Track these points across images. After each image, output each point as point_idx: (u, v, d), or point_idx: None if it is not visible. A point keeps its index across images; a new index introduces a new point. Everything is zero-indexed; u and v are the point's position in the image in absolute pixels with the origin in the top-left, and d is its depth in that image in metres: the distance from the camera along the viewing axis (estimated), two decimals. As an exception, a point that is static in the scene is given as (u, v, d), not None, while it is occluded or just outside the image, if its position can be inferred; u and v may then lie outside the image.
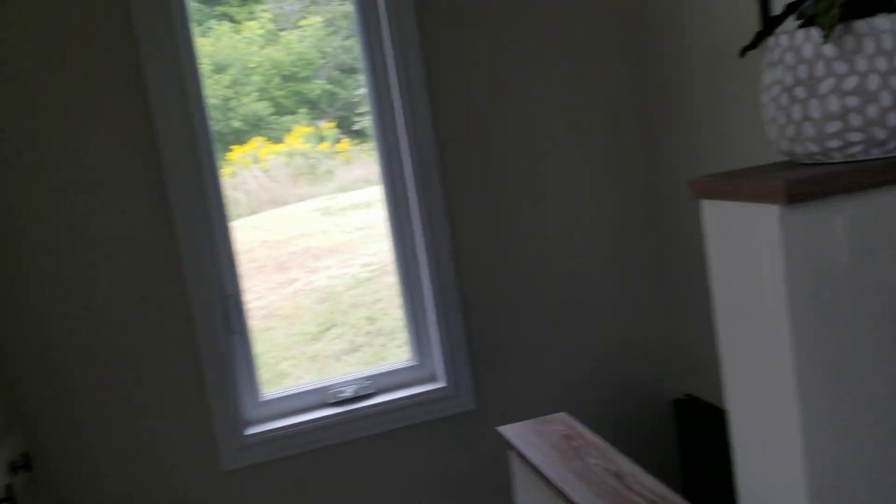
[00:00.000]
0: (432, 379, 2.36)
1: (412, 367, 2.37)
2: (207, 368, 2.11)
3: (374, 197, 2.48)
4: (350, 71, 2.47)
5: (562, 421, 1.65)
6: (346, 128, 2.55)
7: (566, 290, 2.40)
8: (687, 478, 2.38)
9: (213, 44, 2.41)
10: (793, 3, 0.88)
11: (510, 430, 1.61)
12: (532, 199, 2.35)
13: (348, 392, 2.29)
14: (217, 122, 2.37)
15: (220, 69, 2.46)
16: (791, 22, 0.89)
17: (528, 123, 2.34)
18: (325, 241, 2.89)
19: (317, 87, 2.54)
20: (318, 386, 2.35)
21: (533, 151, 2.35)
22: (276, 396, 2.28)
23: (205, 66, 2.28)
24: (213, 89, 2.36)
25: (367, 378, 2.35)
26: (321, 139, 2.63)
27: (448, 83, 2.25)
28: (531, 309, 2.38)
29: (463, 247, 2.29)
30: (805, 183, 0.79)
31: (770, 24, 0.87)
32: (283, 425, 2.20)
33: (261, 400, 2.25)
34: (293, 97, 2.57)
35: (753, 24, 1.73)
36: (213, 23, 2.41)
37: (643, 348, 2.47)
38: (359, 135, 2.50)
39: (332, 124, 2.57)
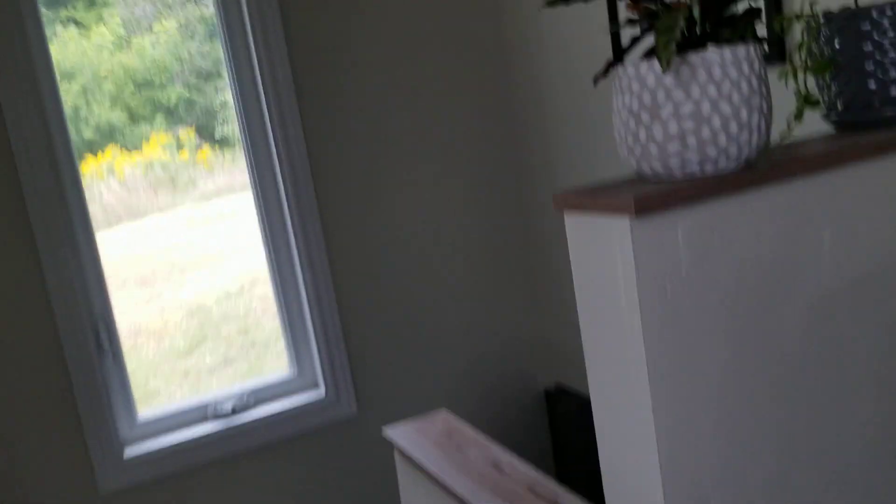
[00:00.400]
0: (312, 387, 2.39)
1: (292, 377, 2.39)
2: (78, 390, 2.05)
3: (239, 206, 2.47)
4: (208, 76, 2.44)
5: (443, 418, 1.73)
6: (207, 135, 2.52)
7: (440, 292, 2.50)
8: (559, 462, 2.53)
9: (59, 50, 2.32)
10: (637, 37, 0.99)
11: (394, 431, 1.67)
12: (404, 204, 2.42)
13: (228, 406, 2.28)
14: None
15: (68, 77, 2.37)
16: (638, 52, 1.00)
17: (399, 130, 2.41)
18: (191, 254, 2.83)
19: (173, 93, 2.50)
20: (197, 402, 2.33)
21: (404, 158, 2.42)
22: (154, 415, 2.25)
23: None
24: (61, 98, 2.28)
25: (246, 391, 2.35)
26: (180, 147, 2.58)
27: (316, 86, 2.28)
28: (407, 312, 2.45)
29: (337, 254, 2.33)
30: (650, 197, 0.89)
31: (618, 54, 0.98)
32: (163, 444, 2.17)
33: (139, 420, 2.21)
34: (149, 105, 2.51)
35: (608, 54, 1.87)
36: (58, 28, 2.33)
37: (516, 344, 2.60)
38: (221, 142, 2.48)
39: (192, 132, 2.53)
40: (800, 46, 1.13)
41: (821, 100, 1.14)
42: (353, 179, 2.34)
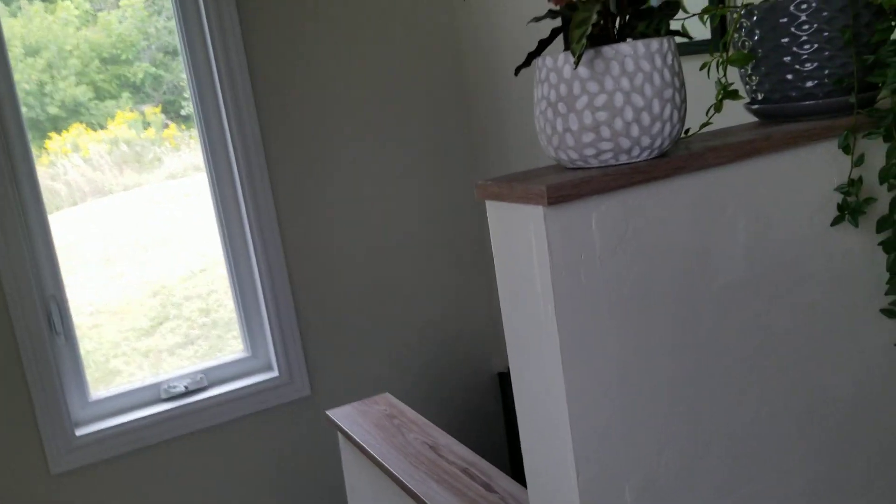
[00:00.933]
0: (266, 369, 2.40)
1: (245, 357, 2.41)
2: (29, 370, 2.05)
3: (205, 185, 2.46)
4: (175, 53, 2.42)
5: (385, 401, 1.76)
6: (174, 113, 2.50)
7: (394, 276, 2.52)
8: (513, 442, 2.57)
9: (24, 25, 2.29)
10: (556, 28, 1.01)
11: (337, 413, 1.70)
12: (358, 189, 2.44)
13: (181, 387, 2.29)
14: (32, 109, 2.26)
15: (32, 52, 2.34)
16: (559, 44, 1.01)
17: (353, 114, 2.42)
18: (156, 233, 2.82)
19: (140, 70, 2.47)
20: (150, 382, 2.33)
21: (358, 144, 2.43)
22: (107, 395, 2.25)
23: (15, 48, 2.17)
24: (25, 73, 2.25)
25: (200, 372, 2.36)
26: (147, 125, 2.55)
27: (270, 68, 2.28)
28: (361, 295, 2.47)
29: (291, 236, 2.35)
30: (563, 186, 0.91)
31: (540, 46, 1.00)
32: (114, 424, 2.18)
33: (91, 400, 2.21)
34: (115, 81, 2.48)
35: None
36: (23, 2, 2.29)
37: (469, 327, 2.63)
38: (187, 120, 2.46)
39: (158, 109, 2.50)
40: (725, 38, 1.15)
41: (745, 90, 1.17)
42: (307, 163, 2.35)
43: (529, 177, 0.98)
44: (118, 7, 2.45)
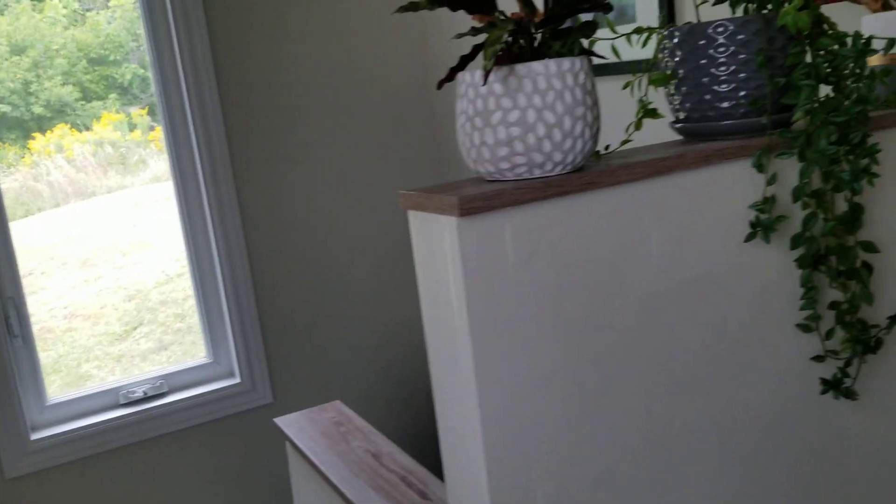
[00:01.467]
0: (228, 375, 2.42)
1: (208, 364, 2.42)
2: (-17, 373, 2.06)
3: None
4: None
5: (334, 408, 1.78)
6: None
7: (359, 282, 2.54)
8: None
9: (10, 23, 2.30)
10: (478, 45, 1.04)
11: (285, 420, 1.72)
12: (324, 194, 2.47)
13: (140, 392, 2.30)
14: (16, 108, 2.28)
15: (18, 51, 2.35)
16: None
17: (319, 119, 2.45)
18: (135, 236, 2.84)
19: (128, 71, 2.48)
20: (109, 387, 2.34)
21: (323, 148, 2.46)
22: (64, 399, 2.26)
23: (1, 47, 2.18)
24: (10, 72, 2.25)
25: (161, 377, 2.37)
26: (133, 127, 2.56)
27: (237, 74, 2.31)
28: (326, 302, 2.49)
29: (255, 242, 2.37)
30: (475, 198, 0.94)
31: (461, 61, 1.03)
32: (71, 428, 2.19)
33: (48, 403, 2.22)
34: (102, 82, 2.49)
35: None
36: (10, 0, 2.31)
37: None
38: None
39: (145, 111, 2.52)
40: (653, 58, 1.19)
41: (669, 109, 1.20)
42: (273, 168, 2.38)
43: (449, 188, 1.01)
44: (107, 7, 2.47)
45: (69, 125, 2.51)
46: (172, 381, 2.36)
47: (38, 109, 2.40)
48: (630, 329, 1.06)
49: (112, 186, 2.78)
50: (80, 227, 2.78)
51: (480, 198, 0.95)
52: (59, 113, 2.46)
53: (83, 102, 2.49)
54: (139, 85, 2.51)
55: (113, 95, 2.50)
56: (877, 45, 1.11)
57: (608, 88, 1.78)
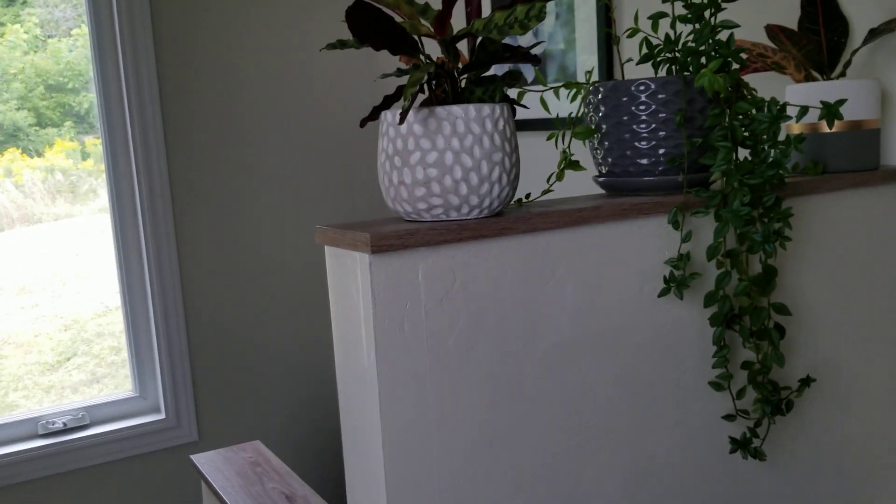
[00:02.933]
0: (153, 410, 2.35)
1: (133, 397, 2.36)
2: None
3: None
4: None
5: (253, 448, 1.74)
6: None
7: (288, 324, 2.51)
8: None
9: None
10: (403, 85, 1.05)
11: (201, 458, 1.67)
12: (261, 233, 2.45)
13: (59, 423, 2.22)
14: None
15: None
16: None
17: (262, 157, 2.45)
18: (78, 265, 2.78)
19: (86, 100, 2.46)
20: (27, 416, 2.26)
21: (263, 188, 2.45)
22: (-22, 427, 2.18)
23: None
24: None
25: (83, 409, 2.30)
26: (86, 156, 2.53)
27: (181, 109, 2.30)
28: (256, 342, 2.45)
29: (190, 277, 2.33)
30: (388, 236, 0.94)
31: (385, 101, 1.04)
32: (-19, 458, 2.10)
33: (-42, 431, 2.13)
34: (58, 109, 2.47)
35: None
36: None
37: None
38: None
39: (100, 141, 2.50)
40: (579, 112, 1.21)
41: (593, 162, 1.22)
42: (213, 206, 2.36)
43: (365, 225, 1.01)
44: (69, 35, 2.46)
45: (20, 150, 2.48)
46: (95, 414, 2.29)
47: (-11, 132, 2.37)
48: (540, 377, 1.06)
49: (59, 214, 2.73)
50: (21, 254, 2.72)
51: (394, 236, 0.95)
52: (11, 137, 2.43)
53: (37, 128, 2.46)
54: (96, 114, 2.49)
55: (68, 123, 2.48)
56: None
57: (538, 141, 1.81)
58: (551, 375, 1.06)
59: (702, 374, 1.17)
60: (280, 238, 2.47)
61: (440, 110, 0.97)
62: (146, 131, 2.21)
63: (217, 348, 2.39)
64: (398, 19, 1.01)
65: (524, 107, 1.08)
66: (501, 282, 1.03)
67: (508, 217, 1.02)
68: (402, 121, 0.93)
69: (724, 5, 1.09)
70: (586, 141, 1.19)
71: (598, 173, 1.21)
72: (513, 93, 1.99)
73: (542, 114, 1.80)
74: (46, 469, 2.16)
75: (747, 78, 1.44)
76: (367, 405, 0.98)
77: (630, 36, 1.15)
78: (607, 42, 1.83)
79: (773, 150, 1.08)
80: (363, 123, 1.03)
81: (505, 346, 1.03)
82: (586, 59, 1.85)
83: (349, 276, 0.99)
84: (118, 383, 2.61)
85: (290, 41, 2.45)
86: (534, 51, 2.03)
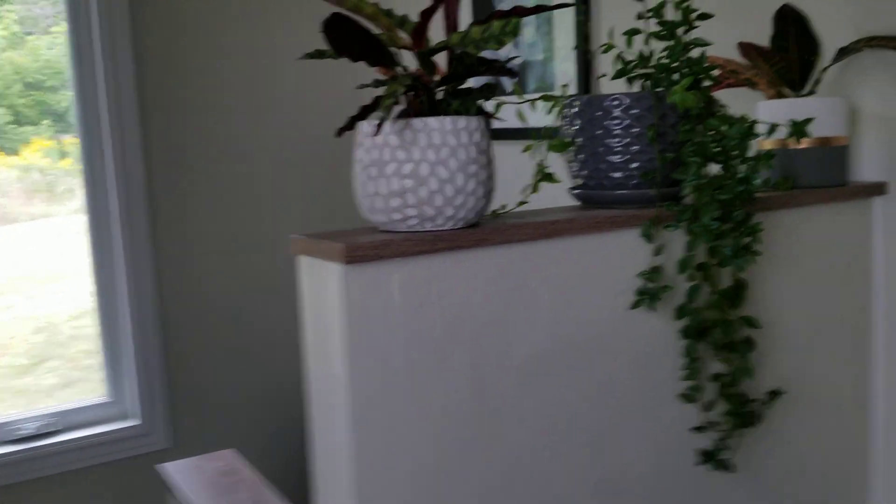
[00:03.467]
0: (128, 416, 2.33)
1: (107, 402, 2.33)
2: None
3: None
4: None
5: (225, 457, 1.73)
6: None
7: (266, 331, 2.50)
8: None
9: None
10: (380, 96, 1.06)
11: (171, 467, 1.66)
12: (239, 238, 2.44)
13: (30, 429, 2.20)
14: None
15: None
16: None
17: (242, 162, 2.44)
18: (54, 266, 2.75)
19: (65, 98, 2.44)
20: (-3, 421, 2.23)
21: (242, 194, 2.44)
22: (-55, 433, 2.15)
23: None
24: None
25: (55, 415, 2.27)
26: (64, 155, 2.51)
27: (161, 112, 2.29)
28: (233, 348, 2.44)
29: (167, 281, 2.32)
30: (363, 247, 0.95)
31: (362, 111, 1.04)
32: (-53, 464, 2.07)
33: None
34: (37, 107, 2.44)
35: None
36: None
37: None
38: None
39: (77, 140, 2.48)
40: (554, 125, 1.22)
41: (569, 174, 1.23)
42: (191, 210, 2.35)
43: (339, 235, 1.01)
44: (49, 33, 2.44)
45: (-5, 148, 2.45)
46: (67, 420, 2.26)
47: (-37, 130, 2.34)
48: (514, 387, 1.07)
49: (36, 214, 2.70)
50: (-5, 254, 2.69)
51: (368, 246, 0.95)
52: (-14, 134, 2.40)
53: (14, 126, 2.44)
54: (74, 113, 2.47)
55: (46, 121, 2.46)
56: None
57: (516, 150, 1.82)
58: (525, 386, 1.07)
59: (673, 386, 1.19)
60: (258, 243, 2.46)
61: (416, 122, 0.97)
62: (123, 132, 2.20)
63: (194, 354, 2.38)
64: (377, 30, 1.01)
65: (500, 119, 1.09)
66: (476, 293, 1.03)
67: (483, 228, 1.03)
68: (377, 132, 0.94)
69: (696, 23, 1.11)
70: (559, 153, 1.20)
71: (573, 186, 1.22)
72: (491, 104, 2.00)
73: (520, 124, 1.81)
74: (17, 476, 2.13)
75: (720, 93, 1.46)
76: (339, 417, 0.99)
77: (605, 52, 1.16)
78: (585, 55, 1.85)
79: (743, 166, 1.10)
80: (339, 133, 1.03)
81: (480, 358, 1.04)
82: (567, 70, 1.87)
83: (323, 286, 0.99)
84: (92, 388, 2.58)
85: (271, 46, 2.45)
86: (511, 64, 2.04)
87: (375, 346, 0.97)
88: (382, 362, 0.98)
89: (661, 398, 1.19)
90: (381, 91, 1.05)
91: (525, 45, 2.02)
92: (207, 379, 2.41)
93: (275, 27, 2.44)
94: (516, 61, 2.05)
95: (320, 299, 1.01)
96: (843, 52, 1.35)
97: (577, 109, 1.16)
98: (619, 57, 1.16)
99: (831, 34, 1.43)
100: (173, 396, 2.35)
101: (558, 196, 1.34)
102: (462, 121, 0.99)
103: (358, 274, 0.95)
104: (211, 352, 2.41)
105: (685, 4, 1.08)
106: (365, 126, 1.01)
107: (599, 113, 1.14)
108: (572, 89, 1.88)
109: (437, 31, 1.03)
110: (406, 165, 0.98)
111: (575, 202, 1.25)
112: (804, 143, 1.31)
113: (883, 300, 1.44)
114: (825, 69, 1.40)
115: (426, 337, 1.00)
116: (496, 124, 1.11)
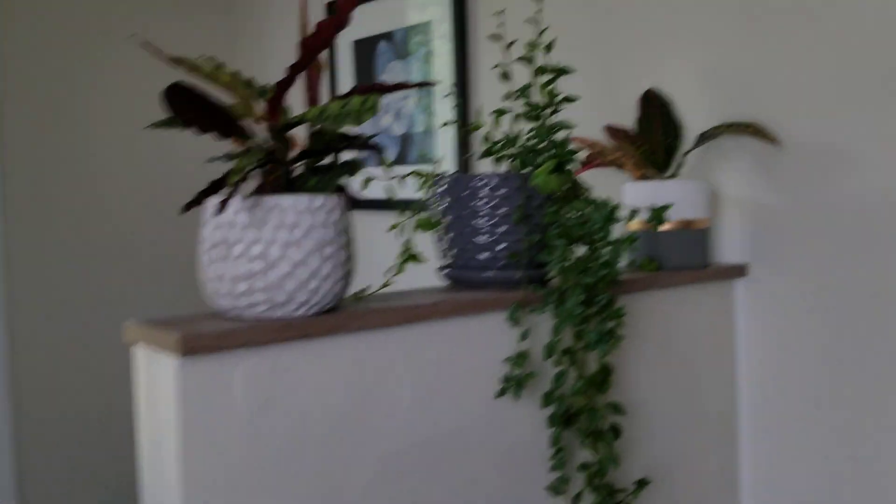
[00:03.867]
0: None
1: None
2: None
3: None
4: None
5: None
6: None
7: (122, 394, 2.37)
8: None
9: None
10: (229, 170, 0.98)
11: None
12: (102, 289, 2.35)
13: None
14: None
15: None
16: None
17: (106, 222, 2.36)
18: None
19: None
20: None
21: (104, 261, 2.33)
22: None
23: None
24: None
25: None
26: None
27: (23, 161, 2.19)
28: (86, 414, 2.32)
29: (20, 342, 2.19)
30: (202, 337, 0.85)
31: (212, 186, 0.96)
32: None
33: None
34: None
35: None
36: None
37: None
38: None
39: None
40: (423, 202, 1.17)
41: (438, 253, 1.19)
42: (52, 269, 2.22)
43: (178, 322, 0.91)
44: None
45: None
46: None
47: None
48: (369, 489, 0.98)
49: None
50: None
51: (208, 336, 0.86)
52: None
53: None
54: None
55: None
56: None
57: (385, 221, 1.77)
58: (382, 485, 0.99)
59: (540, 478, 1.14)
60: (111, 321, 2.32)
61: (268, 199, 0.90)
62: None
63: (47, 418, 2.22)
64: (232, 100, 0.94)
65: (357, 198, 1.03)
66: (331, 385, 0.95)
67: (340, 314, 0.96)
68: (220, 210, 0.86)
69: (562, 105, 1.10)
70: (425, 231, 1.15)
71: (442, 265, 1.18)
72: (359, 178, 1.98)
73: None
74: None
75: (589, 173, 1.47)
76: (172, 525, 0.87)
77: (473, 130, 1.13)
78: (461, 131, 1.84)
79: (606, 249, 1.09)
80: (186, 209, 0.94)
81: (333, 456, 0.95)
82: (446, 144, 1.85)
83: (157, 380, 0.89)
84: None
85: (135, 104, 2.36)
86: (375, 139, 2.01)
87: (213, 450, 0.87)
88: (221, 468, 0.88)
89: (529, 492, 1.13)
90: (232, 165, 0.98)
91: (406, 117, 1.99)
92: (58, 443, 2.26)
93: (142, 81, 2.34)
94: (378, 137, 2.03)
95: (153, 396, 0.90)
96: (703, 137, 1.38)
97: (445, 187, 1.12)
98: (487, 137, 1.13)
99: (694, 119, 1.47)
100: (21, 457, 2.18)
101: (429, 274, 1.29)
102: (319, 199, 0.92)
103: (196, 368, 0.86)
104: (64, 416, 2.27)
105: (549, 88, 1.07)
106: (211, 202, 0.92)
107: (467, 192, 1.10)
108: (449, 164, 1.85)
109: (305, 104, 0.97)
110: (255, 247, 0.90)
111: (444, 282, 1.20)
112: (667, 226, 1.32)
113: (746, 382, 1.46)
114: (688, 152, 1.43)
115: (272, 438, 0.91)
116: (366, 193, 1.06)
